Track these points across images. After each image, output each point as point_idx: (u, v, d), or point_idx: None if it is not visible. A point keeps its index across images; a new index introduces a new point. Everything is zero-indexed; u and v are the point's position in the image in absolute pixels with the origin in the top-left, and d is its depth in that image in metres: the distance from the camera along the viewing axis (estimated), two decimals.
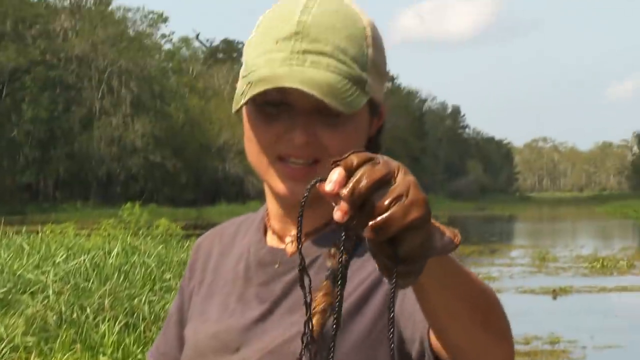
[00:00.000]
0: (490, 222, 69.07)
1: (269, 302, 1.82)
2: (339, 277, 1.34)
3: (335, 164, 1.26)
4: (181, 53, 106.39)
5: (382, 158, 1.26)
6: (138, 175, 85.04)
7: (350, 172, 1.24)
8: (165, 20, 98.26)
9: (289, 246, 1.87)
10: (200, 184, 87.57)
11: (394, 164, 1.26)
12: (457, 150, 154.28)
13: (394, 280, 1.23)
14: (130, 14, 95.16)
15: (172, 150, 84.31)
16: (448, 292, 1.42)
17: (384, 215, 1.22)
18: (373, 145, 1.84)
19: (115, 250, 12.98)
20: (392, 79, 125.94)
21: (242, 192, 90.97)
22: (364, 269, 1.77)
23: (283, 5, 1.81)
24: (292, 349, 1.71)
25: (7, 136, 78.88)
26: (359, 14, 1.81)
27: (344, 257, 1.33)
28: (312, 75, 1.69)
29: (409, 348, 1.65)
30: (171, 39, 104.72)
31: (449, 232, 1.35)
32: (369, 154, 1.26)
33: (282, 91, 1.72)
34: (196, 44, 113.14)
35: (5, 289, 10.54)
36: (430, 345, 1.56)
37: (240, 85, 1.76)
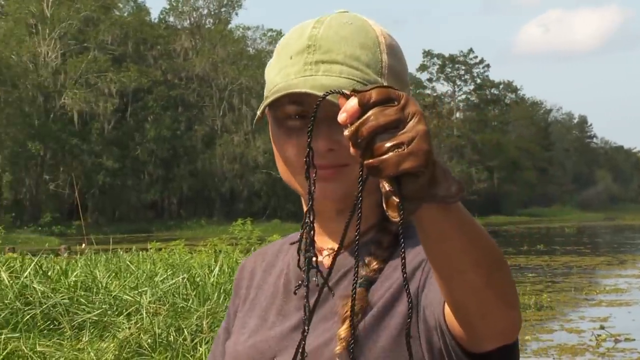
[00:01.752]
0: (620, 232, 67.12)
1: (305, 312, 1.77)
2: (358, 220, 1.40)
3: (354, 94, 1.30)
4: None
5: (403, 99, 1.29)
6: (261, 192, 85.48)
7: (364, 108, 1.29)
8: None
9: (326, 259, 1.89)
10: None
11: (411, 109, 1.29)
12: (585, 160, 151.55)
13: (401, 214, 1.30)
14: (249, 33, 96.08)
15: None
16: (452, 242, 1.43)
17: (379, 159, 1.28)
18: None
19: (217, 268, 12.36)
20: (516, 89, 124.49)
21: None
22: (395, 273, 1.80)
23: (297, 27, 1.88)
24: (326, 354, 1.76)
25: (132, 155, 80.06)
26: (372, 25, 1.86)
27: (360, 191, 1.37)
28: (323, 82, 1.74)
29: (435, 339, 1.66)
30: None
31: (456, 184, 1.37)
32: (390, 93, 1.29)
33: (300, 103, 1.77)
34: None
35: (100, 310, 10.03)
36: (445, 322, 1.58)
37: (264, 97, 1.82)
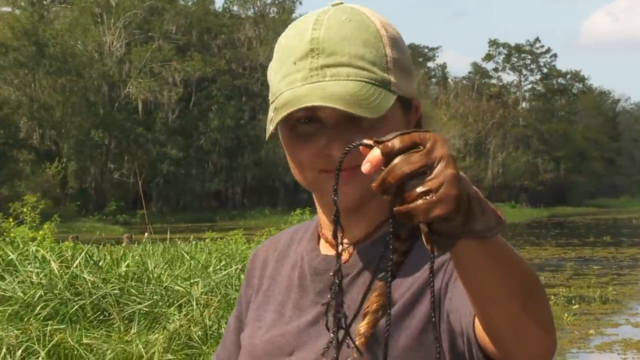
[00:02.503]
0: None
1: (323, 308, 1.81)
2: (389, 269, 1.41)
3: (377, 144, 1.29)
4: None
5: (429, 143, 1.28)
6: None
7: (388, 157, 1.28)
8: None
9: (343, 254, 1.86)
10: None
11: (438, 153, 1.27)
12: None
13: (432, 248, 1.30)
14: None
15: None
16: (488, 273, 1.43)
17: (409, 206, 1.27)
18: None
19: None
20: (583, 79, 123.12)
21: None
22: (416, 271, 1.79)
23: (296, 25, 1.84)
24: (344, 350, 1.71)
25: (195, 144, 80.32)
26: (371, 17, 1.82)
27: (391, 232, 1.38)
28: (332, 90, 1.71)
29: (459, 343, 1.67)
30: None
31: (494, 216, 1.34)
32: (414, 138, 1.28)
33: (310, 108, 1.74)
34: None
35: (151, 301, 9.83)
36: (475, 336, 1.58)
37: (270, 111, 1.80)
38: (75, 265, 9.72)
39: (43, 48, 70.80)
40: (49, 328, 8.10)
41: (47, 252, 9.87)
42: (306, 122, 1.78)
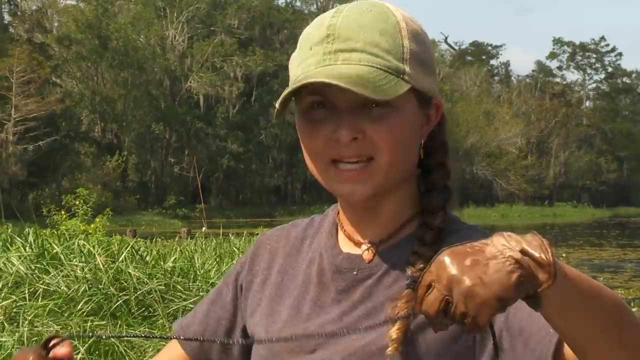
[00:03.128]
0: None
1: (346, 306, 1.84)
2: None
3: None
4: None
5: (426, 278, 1.35)
6: None
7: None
8: None
9: (366, 253, 1.88)
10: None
11: (445, 282, 1.32)
12: None
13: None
14: None
15: None
16: (574, 313, 1.44)
17: (466, 326, 1.33)
18: (434, 141, 1.87)
19: None
20: None
21: (490, 195, 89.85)
22: None
23: (318, 18, 1.85)
24: (371, 353, 1.76)
25: (256, 140, 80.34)
26: (392, 11, 1.81)
27: None
28: (341, 70, 1.71)
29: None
30: None
31: (547, 272, 1.34)
32: (424, 283, 1.36)
33: (322, 93, 1.75)
34: (442, 46, 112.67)
35: (196, 298, 9.64)
36: None
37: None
38: (120, 259, 9.56)
39: (106, 41, 71.26)
40: (89, 324, 7.93)
41: (92, 246, 9.71)
42: (318, 107, 1.77)
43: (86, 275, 9.21)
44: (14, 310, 7.94)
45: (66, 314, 8.05)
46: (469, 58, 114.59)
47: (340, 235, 1.93)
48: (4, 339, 7.53)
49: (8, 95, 61.69)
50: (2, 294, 8.44)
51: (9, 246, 9.84)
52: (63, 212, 14.99)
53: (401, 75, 1.74)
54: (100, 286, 9.14)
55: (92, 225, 14.15)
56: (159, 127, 74.01)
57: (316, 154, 1.80)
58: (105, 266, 9.42)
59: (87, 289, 9.04)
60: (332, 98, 1.75)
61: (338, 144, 1.75)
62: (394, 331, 1.73)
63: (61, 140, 64.93)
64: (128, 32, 73.63)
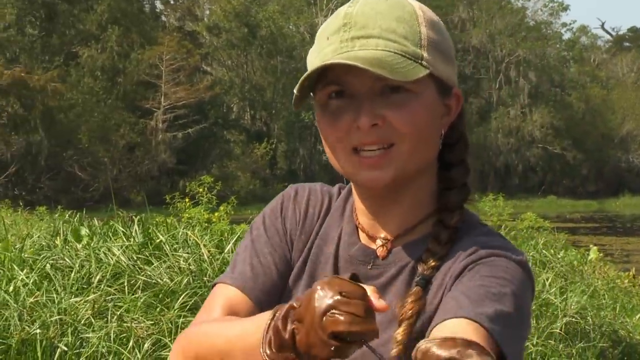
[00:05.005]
0: None
1: None
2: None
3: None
4: (580, 42, 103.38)
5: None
6: (537, 167, 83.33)
7: None
8: (565, 9, 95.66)
9: (380, 249, 1.89)
10: (601, 176, 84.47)
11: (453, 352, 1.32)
12: None
13: None
14: (529, 4, 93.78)
15: (572, 141, 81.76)
16: None
17: None
18: (454, 133, 1.87)
19: None
20: None
21: None
22: (448, 273, 1.81)
23: (336, 10, 1.86)
24: (384, 353, 1.73)
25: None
26: (410, 1, 1.83)
27: None
28: (358, 54, 1.72)
29: None
30: (572, 28, 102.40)
31: None
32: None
33: (340, 82, 1.76)
34: (597, 32, 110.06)
35: None
36: None
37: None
38: (227, 250, 9.07)
39: (255, 29, 71.58)
40: (181, 320, 7.46)
41: (198, 236, 9.24)
42: (337, 97, 1.76)
43: (190, 267, 8.77)
44: (103, 304, 7.52)
45: (157, 309, 7.60)
46: (627, 44, 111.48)
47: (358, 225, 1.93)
48: (89, 335, 7.13)
49: (158, 83, 62.56)
50: (101, 286, 8.06)
51: (110, 236, 9.45)
52: (187, 200, 14.67)
53: (419, 60, 1.73)
54: (205, 278, 8.69)
55: (216, 214, 13.79)
56: (308, 115, 74.04)
57: (337, 143, 1.78)
58: (210, 257, 8.97)
59: (190, 281, 8.60)
60: (350, 86, 1.74)
61: (358, 132, 1.74)
62: (399, 333, 1.73)
63: (210, 128, 65.49)
64: (277, 19, 73.82)
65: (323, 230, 1.99)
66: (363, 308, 1.46)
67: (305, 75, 1.73)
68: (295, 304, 1.53)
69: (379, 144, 1.75)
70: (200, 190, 14.78)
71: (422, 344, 1.32)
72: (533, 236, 13.74)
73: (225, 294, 1.96)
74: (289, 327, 1.51)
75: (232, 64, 73.49)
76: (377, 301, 1.48)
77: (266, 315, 1.62)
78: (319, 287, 1.48)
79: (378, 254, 1.87)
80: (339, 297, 1.46)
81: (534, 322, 7.91)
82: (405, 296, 1.77)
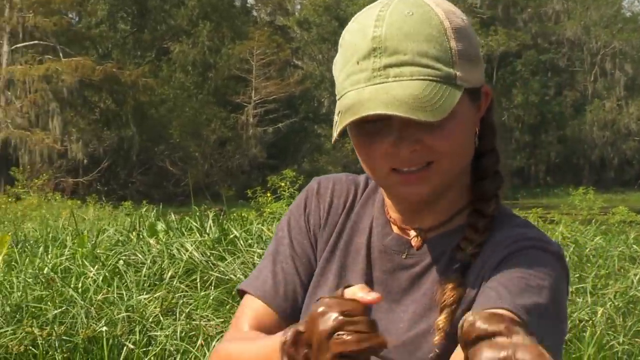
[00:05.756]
0: None
1: (394, 293, 1.87)
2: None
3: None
4: None
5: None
6: (633, 160, 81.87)
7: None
8: None
9: (414, 240, 1.89)
10: None
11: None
12: None
13: None
14: None
15: None
16: None
17: None
18: (486, 125, 1.88)
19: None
20: None
21: None
22: (487, 262, 1.80)
23: (359, 19, 1.82)
24: (424, 344, 1.78)
25: (498, 120, 78.60)
26: (435, 9, 1.78)
27: None
28: (395, 93, 1.69)
29: None
30: None
31: None
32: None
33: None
34: None
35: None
36: None
37: (335, 114, 1.79)
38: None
39: (345, 23, 71.13)
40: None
41: (272, 231, 9.03)
42: (373, 121, 1.73)
43: None
44: (172, 301, 7.34)
45: (228, 306, 7.39)
46: None
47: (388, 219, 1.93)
48: (157, 333, 6.95)
49: (248, 78, 62.75)
50: (173, 282, 7.89)
51: (183, 231, 9.28)
52: (269, 195, 14.49)
53: (453, 82, 1.72)
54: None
55: None
56: None
57: (376, 165, 1.78)
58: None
59: None
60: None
61: (397, 157, 1.73)
62: (441, 320, 1.74)
63: (301, 122, 65.52)
64: None
65: (352, 220, 1.98)
66: (367, 323, 1.48)
67: (347, 122, 1.66)
68: (301, 329, 1.55)
69: (418, 166, 1.74)
70: (282, 184, 14.59)
71: (469, 316, 1.32)
72: (624, 230, 13.19)
73: (251, 307, 1.97)
74: (302, 351, 1.54)
75: (322, 58, 73.33)
76: (369, 296, 1.50)
77: (278, 340, 1.62)
78: (319, 310, 1.50)
79: (412, 244, 1.87)
80: (341, 317, 1.48)
81: (621, 320, 7.54)
82: (444, 283, 1.77)
